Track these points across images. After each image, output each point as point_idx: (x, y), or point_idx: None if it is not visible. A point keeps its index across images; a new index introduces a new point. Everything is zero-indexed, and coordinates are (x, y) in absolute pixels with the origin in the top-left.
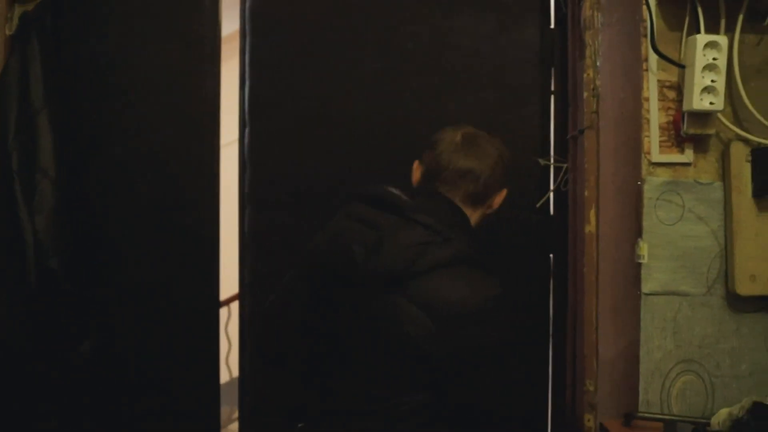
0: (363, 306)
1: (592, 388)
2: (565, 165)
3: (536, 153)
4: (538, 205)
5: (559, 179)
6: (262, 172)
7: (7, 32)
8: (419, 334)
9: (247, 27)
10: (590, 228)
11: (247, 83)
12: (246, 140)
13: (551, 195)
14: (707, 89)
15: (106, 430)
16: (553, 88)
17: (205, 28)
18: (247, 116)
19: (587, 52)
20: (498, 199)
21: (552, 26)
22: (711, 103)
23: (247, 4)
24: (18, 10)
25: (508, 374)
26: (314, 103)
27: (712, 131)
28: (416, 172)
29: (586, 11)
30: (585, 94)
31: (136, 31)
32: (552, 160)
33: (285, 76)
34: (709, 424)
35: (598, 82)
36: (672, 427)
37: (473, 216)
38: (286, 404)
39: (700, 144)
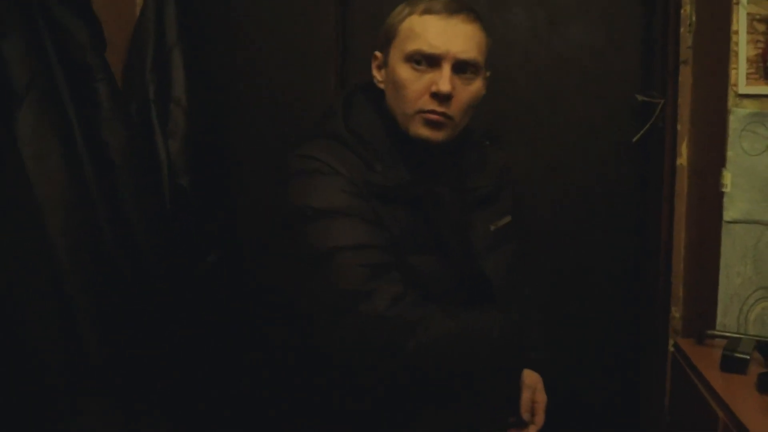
0: None
1: (677, 315)
2: (661, 100)
3: (637, 89)
4: (634, 140)
5: (655, 114)
6: None
7: None
8: None
9: None
10: (681, 161)
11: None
12: None
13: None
14: None
15: (225, 330)
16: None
17: None
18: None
19: None
20: None
21: None
22: None
23: None
24: None
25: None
26: None
27: None
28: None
29: None
30: (681, 30)
31: None
32: (648, 96)
33: None
34: None
35: (694, 18)
36: (735, 343)
37: None
38: None
39: None
